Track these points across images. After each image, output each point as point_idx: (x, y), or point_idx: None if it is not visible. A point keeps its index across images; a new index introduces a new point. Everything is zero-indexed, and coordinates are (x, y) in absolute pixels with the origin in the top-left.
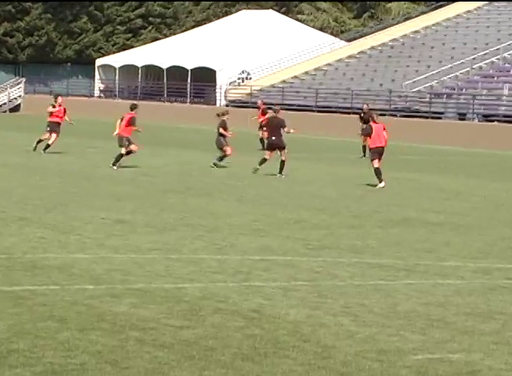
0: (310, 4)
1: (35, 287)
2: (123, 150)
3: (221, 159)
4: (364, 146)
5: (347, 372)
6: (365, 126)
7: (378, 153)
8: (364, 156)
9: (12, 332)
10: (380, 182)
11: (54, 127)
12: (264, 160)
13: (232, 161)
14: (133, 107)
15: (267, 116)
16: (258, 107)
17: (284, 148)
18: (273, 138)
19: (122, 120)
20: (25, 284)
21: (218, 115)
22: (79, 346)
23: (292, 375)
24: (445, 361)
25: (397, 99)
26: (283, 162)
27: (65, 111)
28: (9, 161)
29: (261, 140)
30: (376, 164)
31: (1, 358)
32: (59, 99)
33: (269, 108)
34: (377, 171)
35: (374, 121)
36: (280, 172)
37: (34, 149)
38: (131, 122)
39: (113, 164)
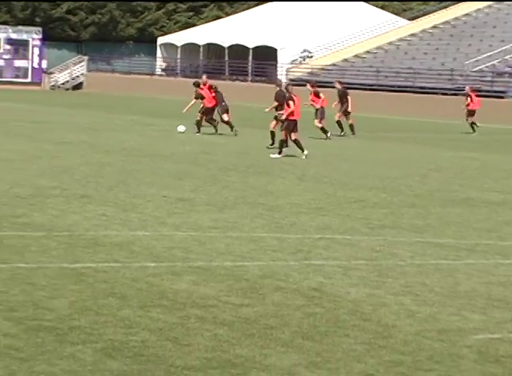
0: None
1: (97, 264)
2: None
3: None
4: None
5: (407, 351)
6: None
7: (295, 125)
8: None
9: (74, 309)
10: (280, 153)
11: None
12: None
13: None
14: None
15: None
16: (313, 87)
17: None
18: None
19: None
20: (87, 261)
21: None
22: (140, 323)
23: (352, 354)
24: (505, 341)
25: (459, 78)
26: (352, 125)
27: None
28: (72, 139)
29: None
30: (294, 135)
31: (63, 334)
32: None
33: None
34: (282, 143)
35: (294, 94)
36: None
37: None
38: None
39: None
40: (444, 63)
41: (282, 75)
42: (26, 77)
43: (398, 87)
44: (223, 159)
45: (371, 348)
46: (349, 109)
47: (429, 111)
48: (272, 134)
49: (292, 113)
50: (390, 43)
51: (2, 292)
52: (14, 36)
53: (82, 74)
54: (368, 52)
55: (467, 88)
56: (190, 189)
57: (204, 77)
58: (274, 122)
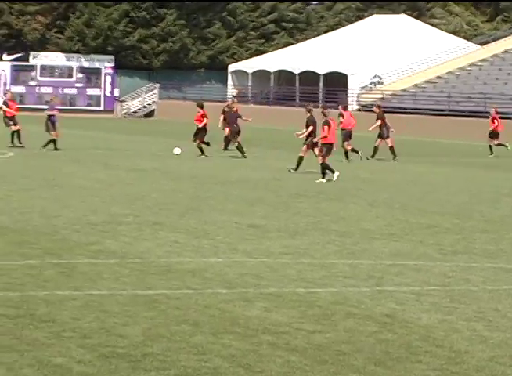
0: (442, 8)
1: (169, 290)
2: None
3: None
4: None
5: None
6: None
7: (330, 148)
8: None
9: (147, 336)
10: (323, 177)
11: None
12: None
13: (363, 166)
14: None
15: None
16: (344, 109)
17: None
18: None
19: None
20: (159, 288)
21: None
22: (212, 350)
23: None
24: None
25: None
26: (376, 148)
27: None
28: (143, 166)
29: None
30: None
31: (136, 361)
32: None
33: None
34: (326, 166)
35: (331, 119)
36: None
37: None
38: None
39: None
40: None
41: (353, 101)
42: (98, 105)
43: (469, 112)
44: (294, 185)
45: (443, 374)
46: (373, 130)
47: (501, 136)
48: (300, 159)
49: (327, 137)
50: (461, 68)
51: (76, 319)
52: (86, 64)
53: (154, 102)
54: (439, 77)
55: (493, 110)
56: (261, 215)
57: (230, 101)
58: (305, 147)
